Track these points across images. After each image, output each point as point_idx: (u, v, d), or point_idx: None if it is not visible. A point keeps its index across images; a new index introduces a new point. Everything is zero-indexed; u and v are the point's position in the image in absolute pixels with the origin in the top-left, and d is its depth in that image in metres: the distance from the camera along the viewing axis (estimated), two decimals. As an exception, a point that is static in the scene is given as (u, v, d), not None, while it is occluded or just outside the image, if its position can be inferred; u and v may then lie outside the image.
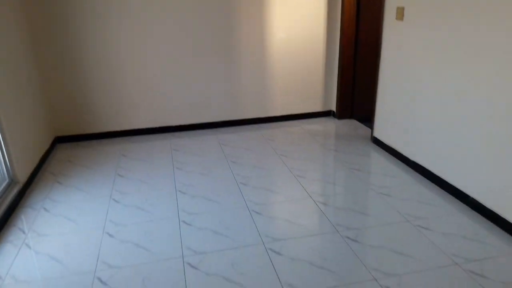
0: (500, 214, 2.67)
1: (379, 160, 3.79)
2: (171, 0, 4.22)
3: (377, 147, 4.09)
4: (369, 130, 4.46)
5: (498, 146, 2.64)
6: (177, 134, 4.63)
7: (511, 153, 2.55)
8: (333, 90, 4.95)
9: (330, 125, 4.81)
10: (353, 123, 4.84)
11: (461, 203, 2.99)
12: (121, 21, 4.16)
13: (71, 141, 4.43)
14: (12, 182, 3.18)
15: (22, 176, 3.31)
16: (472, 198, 2.90)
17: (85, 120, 4.41)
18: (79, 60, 4.19)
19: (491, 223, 2.73)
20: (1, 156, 3.12)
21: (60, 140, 4.41)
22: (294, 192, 3.23)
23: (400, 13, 3.51)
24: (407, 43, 3.48)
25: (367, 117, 4.63)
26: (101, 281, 2.28)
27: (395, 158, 3.79)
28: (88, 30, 4.10)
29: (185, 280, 2.27)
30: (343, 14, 4.53)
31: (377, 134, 4.11)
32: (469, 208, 2.92)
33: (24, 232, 2.79)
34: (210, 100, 4.66)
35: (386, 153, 3.92)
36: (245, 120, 4.83)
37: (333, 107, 5.01)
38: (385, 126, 3.97)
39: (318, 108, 5.00)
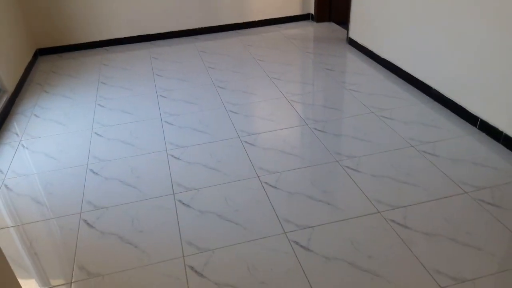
0: (457, 102, 2.97)
1: (353, 60, 4.03)
2: None
3: (352, 48, 4.30)
4: (345, 32, 4.63)
5: (458, 40, 2.88)
6: (156, 42, 4.78)
7: (468, 46, 2.80)
8: (311, -8, 5.04)
9: (308, 28, 4.96)
10: (331, 26, 4.99)
11: (425, 95, 3.28)
12: None
13: (52, 53, 4.58)
14: (0, 90, 3.42)
15: (10, 86, 3.53)
16: (435, 90, 3.19)
17: (65, 31, 4.52)
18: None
19: (450, 112, 3.04)
20: (-14, 67, 3.33)
21: (42, 53, 4.56)
22: (269, 93, 3.50)
23: None
24: None
25: (344, 20, 4.77)
26: (93, 172, 2.62)
27: (367, 57, 4.03)
28: None
29: (169, 168, 2.61)
30: None
31: (352, 35, 4.30)
32: (432, 100, 3.22)
33: (18, 135, 3.08)
34: (186, 7, 4.74)
35: (360, 53, 4.14)
36: (223, 26, 4.96)
37: (311, 10, 5.12)
38: (359, 27, 4.15)
39: (296, 11, 5.11)
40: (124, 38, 4.72)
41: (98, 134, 3.03)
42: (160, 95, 3.55)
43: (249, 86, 3.64)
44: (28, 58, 4.21)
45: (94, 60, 4.37)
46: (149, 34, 4.78)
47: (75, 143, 2.95)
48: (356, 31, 4.21)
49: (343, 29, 4.81)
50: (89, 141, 2.95)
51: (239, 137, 2.91)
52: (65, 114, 3.34)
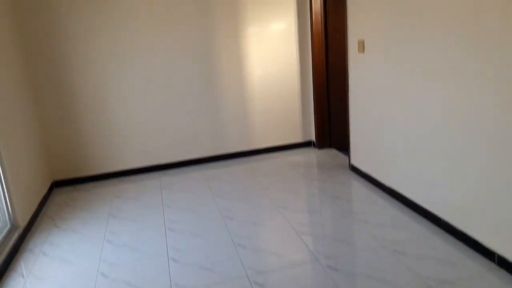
0: (469, 234, 2.69)
1: (357, 187, 3.83)
2: (158, 46, 4.35)
3: (354, 174, 4.13)
4: (347, 158, 4.51)
5: (460, 168, 2.69)
6: (166, 172, 4.65)
7: (471, 173, 2.60)
8: (311, 121, 5.03)
9: (310, 155, 4.86)
10: (333, 152, 4.90)
11: (434, 226, 3.01)
12: (111, 65, 4.27)
13: (67, 185, 4.44)
14: (13, 227, 3.19)
15: (23, 221, 3.31)
16: (444, 221, 2.93)
17: (80, 164, 4.43)
18: (73, 105, 4.26)
19: (463, 244, 2.74)
20: (3, 202, 3.15)
21: (57, 184, 4.41)
22: (276, 224, 3.24)
23: (361, 46, 3.65)
24: (370, 73, 3.61)
25: (345, 146, 4.68)
26: (93, 323, 2.28)
27: (371, 184, 3.83)
28: (81, 76, 4.20)
29: (174, 318, 2.27)
30: (313, 47, 4.67)
31: (354, 161, 4.16)
32: (442, 231, 2.94)
33: (23, 277, 2.78)
34: (196, 137, 4.72)
35: (363, 180, 3.96)
36: (229, 155, 4.88)
37: (312, 137, 5.08)
38: (360, 154, 4.03)
39: (298, 139, 5.07)
40: (137, 169, 4.61)
41: (103, 274, 2.72)
42: (168, 228, 3.30)
43: (257, 216, 3.41)
44: (44, 191, 4.05)
45: (107, 192, 4.20)
46: (160, 164, 4.68)
47: (79, 285, 2.63)
48: (358, 158, 4.08)
49: (344, 155, 4.70)
50: (94, 283, 2.63)
51: (247, 276, 2.59)
52: (73, 251, 3.07)
